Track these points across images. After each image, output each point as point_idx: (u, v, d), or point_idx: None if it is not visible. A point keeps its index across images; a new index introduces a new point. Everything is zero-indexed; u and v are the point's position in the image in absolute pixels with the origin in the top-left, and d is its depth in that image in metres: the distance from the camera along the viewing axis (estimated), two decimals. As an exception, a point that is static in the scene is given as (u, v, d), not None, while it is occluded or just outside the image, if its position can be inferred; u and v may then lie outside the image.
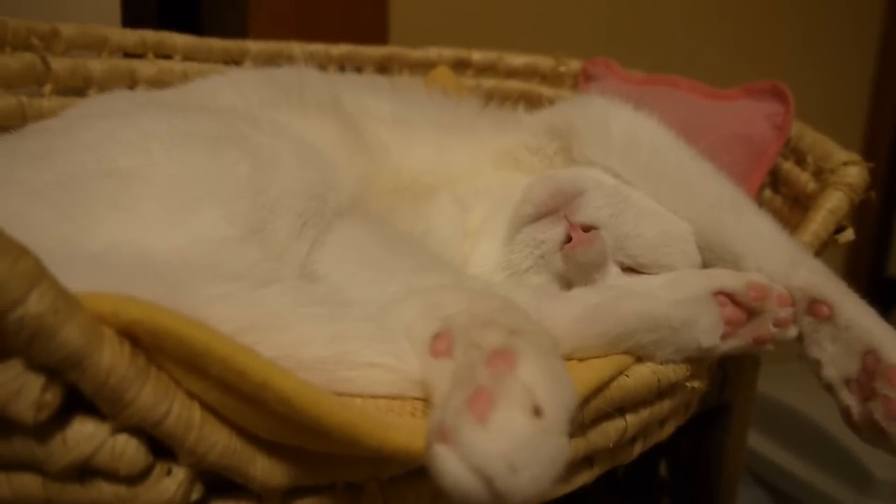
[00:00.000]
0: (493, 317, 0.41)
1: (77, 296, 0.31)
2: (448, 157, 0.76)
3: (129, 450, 0.34)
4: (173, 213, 0.49)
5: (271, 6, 1.24)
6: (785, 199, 0.89)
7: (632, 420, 0.55)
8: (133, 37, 0.89)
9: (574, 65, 1.18)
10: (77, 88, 0.83)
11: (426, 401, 0.44)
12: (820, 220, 0.71)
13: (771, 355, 0.61)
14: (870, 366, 0.54)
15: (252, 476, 0.36)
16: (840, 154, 0.78)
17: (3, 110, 0.75)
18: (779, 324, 0.57)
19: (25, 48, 0.79)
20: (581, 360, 0.52)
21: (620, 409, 0.54)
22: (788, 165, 0.89)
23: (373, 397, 0.43)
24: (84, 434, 0.33)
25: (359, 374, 0.43)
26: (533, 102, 1.11)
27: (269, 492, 0.37)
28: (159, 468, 0.35)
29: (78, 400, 0.33)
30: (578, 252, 0.60)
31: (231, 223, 0.50)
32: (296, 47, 1.01)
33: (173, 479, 0.35)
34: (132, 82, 0.88)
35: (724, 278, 0.57)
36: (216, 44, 0.96)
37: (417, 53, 1.12)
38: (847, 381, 0.56)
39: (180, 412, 0.34)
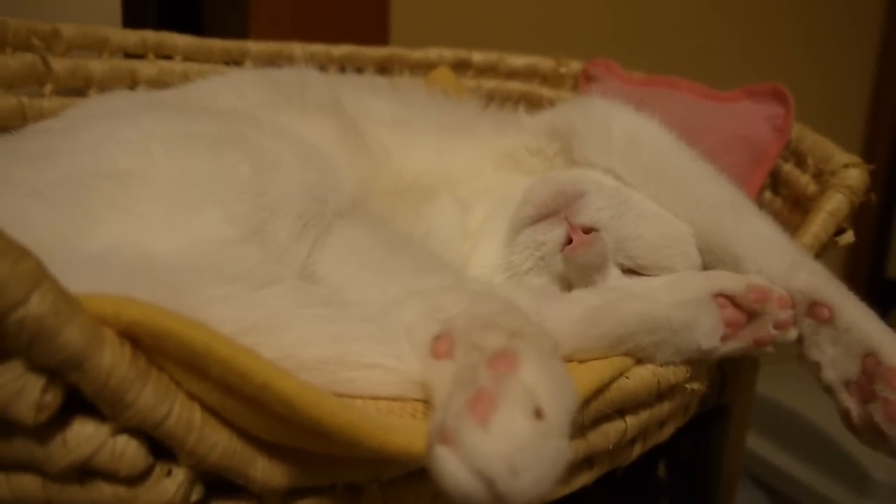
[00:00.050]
0: (494, 319, 0.41)
1: (78, 297, 0.31)
2: (448, 158, 0.76)
3: (129, 451, 0.34)
4: (174, 214, 0.49)
5: (272, 7, 1.24)
6: (785, 201, 0.89)
7: (631, 422, 0.55)
8: (133, 37, 0.89)
9: (574, 66, 1.18)
10: (77, 89, 0.84)
11: (427, 402, 0.44)
12: (820, 223, 0.71)
13: (770, 357, 0.61)
14: (870, 368, 0.54)
15: (252, 477, 0.36)
16: (840, 156, 0.78)
17: (4, 110, 0.75)
18: (779, 326, 0.57)
19: (26, 48, 0.79)
20: (581, 361, 0.52)
21: (620, 411, 0.54)
22: (789, 167, 0.89)
23: (373, 398, 0.43)
24: (84, 435, 0.33)
25: (359, 375, 0.43)
26: (533, 103, 1.11)
27: (270, 493, 0.37)
28: (159, 469, 0.35)
29: (78, 401, 0.33)
30: (579, 254, 0.60)
31: (232, 224, 0.50)
32: (296, 48, 1.01)
33: (173, 480, 0.35)
34: (133, 83, 0.88)
35: (725, 280, 0.57)
36: (217, 44, 0.96)
37: (418, 54, 1.12)
38: (847, 384, 0.56)
39: (181, 413, 0.34)
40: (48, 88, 0.80)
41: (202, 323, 0.35)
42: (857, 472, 1.36)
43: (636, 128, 0.71)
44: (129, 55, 0.89)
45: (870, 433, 0.54)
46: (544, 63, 1.19)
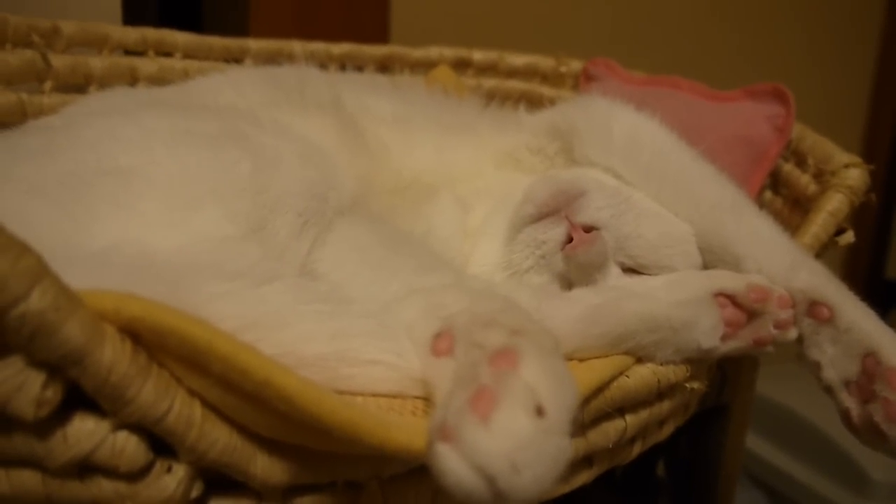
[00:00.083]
0: (494, 317, 0.41)
1: (78, 293, 0.31)
2: (449, 156, 0.76)
3: (129, 447, 0.34)
4: (174, 211, 0.49)
5: (272, 4, 1.24)
6: (785, 201, 0.89)
7: (631, 420, 0.55)
8: (134, 34, 0.89)
9: (575, 65, 1.18)
10: (77, 86, 0.84)
11: (427, 400, 0.44)
12: (820, 223, 0.71)
13: (769, 357, 0.61)
14: (870, 368, 0.54)
15: (252, 474, 0.36)
16: (841, 156, 0.78)
17: (4, 107, 0.75)
18: (779, 325, 0.57)
19: (26, 45, 0.79)
20: (581, 360, 0.52)
21: (620, 410, 0.54)
22: (789, 167, 0.89)
23: (374, 395, 0.43)
24: (84, 431, 0.33)
25: (360, 372, 0.43)
26: (534, 102, 1.11)
27: (270, 490, 0.37)
28: (159, 465, 0.35)
29: (78, 396, 0.33)
30: (579, 252, 0.60)
31: (232, 222, 0.50)
32: (296, 46, 1.01)
33: (173, 477, 0.35)
34: (133, 80, 0.88)
35: (725, 280, 0.57)
36: (217, 42, 0.96)
37: (418, 53, 1.13)
38: (847, 384, 0.56)
39: (181, 410, 0.34)
40: (48, 85, 0.80)
41: (203, 319, 0.35)
42: (856, 472, 1.36)
43: (637, 127, 0.71)
44: (129, 52, 0.89)
45: (870, 433, 0.54)
46: (544, 62, 1.19)
